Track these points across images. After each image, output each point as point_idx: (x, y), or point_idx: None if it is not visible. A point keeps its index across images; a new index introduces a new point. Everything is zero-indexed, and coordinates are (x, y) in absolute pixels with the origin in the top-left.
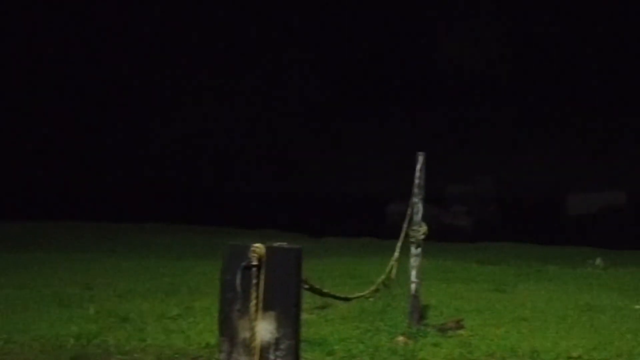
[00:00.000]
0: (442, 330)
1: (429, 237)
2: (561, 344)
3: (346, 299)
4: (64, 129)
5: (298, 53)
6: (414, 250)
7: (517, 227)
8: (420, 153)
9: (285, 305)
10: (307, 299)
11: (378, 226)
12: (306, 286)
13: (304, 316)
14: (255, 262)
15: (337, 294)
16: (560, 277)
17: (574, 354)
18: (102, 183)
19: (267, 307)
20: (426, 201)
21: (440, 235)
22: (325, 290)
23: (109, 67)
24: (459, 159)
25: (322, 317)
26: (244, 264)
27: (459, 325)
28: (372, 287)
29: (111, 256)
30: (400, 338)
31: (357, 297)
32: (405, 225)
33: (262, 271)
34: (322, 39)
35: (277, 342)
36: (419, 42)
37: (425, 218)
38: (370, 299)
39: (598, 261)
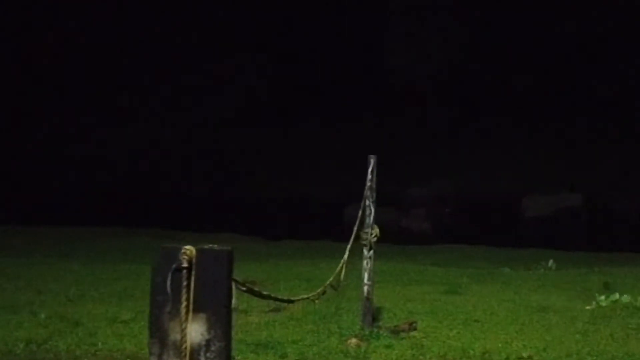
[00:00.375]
0: (395, 332)
1: (385, 239)
2: (512, 345)
3: (289, 301)
4: (16, 133)
5: (249, 56)
6: (366, 252)
7: (474, 230)
8: (371, 156)
9: (216, 307)
10: (260, 302)
11: (335, 229)
12: (243, 288)
13: (258, 319)
14: (185, 264)
15: (280, 296)
16: (513, 278)
17: (524, 355)
18: (56, 187)
19: (197, 309)
20: (385, 204)
21: (398, 238)
22: (265, 292)
23: (64, 70)
24: (417, 162)
25: (275, 320)
26: (174, 266)
27: (411, 327)
28: (319, 289)
29: (64, 261)
30: (353, 340)
31: (301, 299)
32: (355, 228)
33: (193, 273)
34: (272, 42)
35: (208, 343)
36: (371, 45)
37: (383, 221)
38: (316, 301)
39: (551, 263)
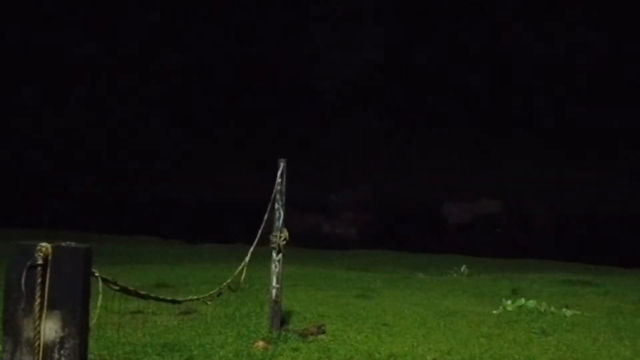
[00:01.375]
0: (303, 335)
1: (307, 244)
2: (418, 349)
3: (174, 302)
4: None
5: (172, 57)
6: (274, 255)
7: (395, 235)
8: (281, 160)
9: (71, 305)
10: (170, 305)
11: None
12: (116, 287)
13: (166, 321)
14: (40, 261)
15: (165, 297)
16: (425, 283)
17: (429, 358)
18: None
19: (52, 306)
20: (308, 209)
21: (321, 243)
22: (143, 293)
23: None
24: (340, 168)
25: (183, 322)
26: (29, 263)
27: (320, 331)
28: (212, 291)
29: None
30: (260, 343)
31: (189, 300)
32: (260, 231)
33: (48, 270)
34: (193, 45)
35: (62, 341)
36: (297, 51)
37: (306, 226)
38: (209, 303)
39: (463, 268)
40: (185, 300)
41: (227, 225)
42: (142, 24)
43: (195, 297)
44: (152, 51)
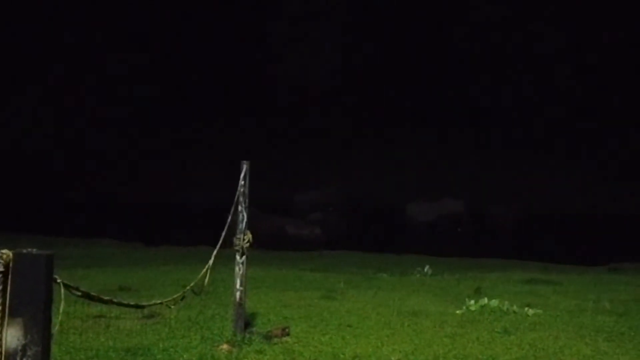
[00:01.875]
0: (268, 337)
1: (271, 245)
2: (382, 349)
3: (138, 306)
4: None
5: (133, 56)
6: (238, 258)
7: (359, 235)
8: (244, 162)
9: (33, 312)
10: (133, 309)
11: (217, 235)
12: (78, 293)
13: (129, 326)
14: (1, 269)
15: (129, 302)
16: (389, 284)
17: (393, 358)
18: None
19: (13, 313)
20: (272, 211)
21: (283, 244)
22: (106, 298)
23: None
24: (304, 169)
25: (148, 327)
26: None
27: (284, 333)
28: (177, 295)
29: None
30: (224, 346)
31: (153, 305)
32: (224, 234)
33: (9, 277)
34: (152, 45)
35: (24, 348)
36: (261, 51)
37: (270, 227)
38: (172, 306)
39: (427, 268)
40: (149, 305)
41: (190, 228)
42: (99, 23)
43: (159, 301)
44: (110, 51)
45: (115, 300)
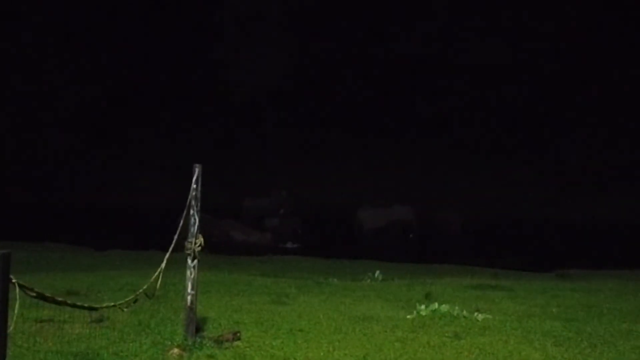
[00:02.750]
0: (219, 342)
1: (221, 250)
2: (334, 354)
3: (91, 309)
4: None
5: (81, 63)
6: (189, 262)
7: (310, 240)
8: (196, 165)
9: None
10: (82, 313)
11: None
12: (33, 294)
13: (78, 330)
14: None
15: (82, 304)
16: (340, 289)
17: None
18: None
19: None
20: (222, 215)
21: (235, 249)
22: (60, 299)
23: None
24: (255, 174)
25: (97, 331)
26: None
27: (235, 337)
28: (129, 297)
29: None
30: (175, 350)
31: (105, 307)
32: (175, 237)
33: None
34: (104, 49)
35: None
36: (209, 57)
37: (220, 232)
38: (125, 310)
39: (377, 274)
40: (102, 307)
41: (140, 232)
42: (47, 25)
43: (112, 304)
44: (59, 54)
45: (69, 302)
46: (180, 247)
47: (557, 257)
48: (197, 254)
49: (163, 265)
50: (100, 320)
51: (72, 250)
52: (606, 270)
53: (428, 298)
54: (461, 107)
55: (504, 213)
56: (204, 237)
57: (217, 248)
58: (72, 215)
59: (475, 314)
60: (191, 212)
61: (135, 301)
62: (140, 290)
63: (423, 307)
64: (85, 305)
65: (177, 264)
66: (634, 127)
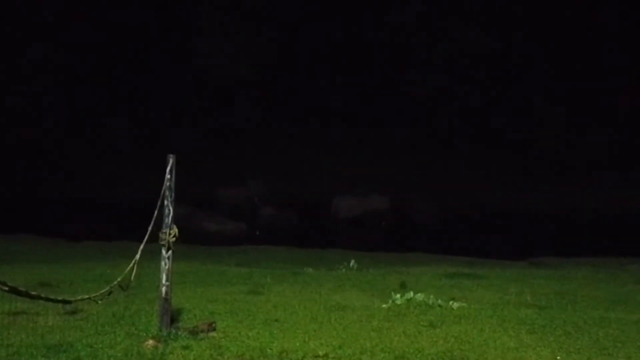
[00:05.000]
0: (194, 332)
1: (190, 240)
2: (310, 344)
3: (65, 302)
4: None
5: (50, 50)
6: (164, 253)
7: (286, 230)
8: (170, 155)
9: None
10: (56, 305)
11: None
12: (5, 288)
13: (52, 322)
14: None
15: (56, 297)
16: (315, 279)
17: (321, 352)
18: None
19: None
20: (197, 205)
21: (210, 239)
22: (34, 293)
23: None
24: (230, 163)
25: (71, 323)
26: None
27: (211, 328)
28: (104, 290)
29: None
30: (150, 342)
31: (80, 300)
32: (150, 228)
33: None
34: (77, 38)
35: None
36: (181, 45)
37: (193, 222)
38: (100, 302)
39: (352, 263)
40: (77, 300)
41: (114, 223)
42: (18, 17)
43: (87, 296)
44: (28, 43)
45: (43, 295)
46: (155, 238)
47: (530, 245)
48: (171, 244)
49: (137, 256)
50: (74, 312)
51: (45, 241)
52: (578, 259)
53: (403, 287)
54: (436, 97)
55: (478, 202)
56: (178, 227)
57: (192, 238)
58: (45, 206)
59: (451, 302)
60: (165, 202)
61: (109, 293)
62: (115, 282)
63: (398, 296)
64: (59, 298)
65: (152, 255)
66: (605, 118)
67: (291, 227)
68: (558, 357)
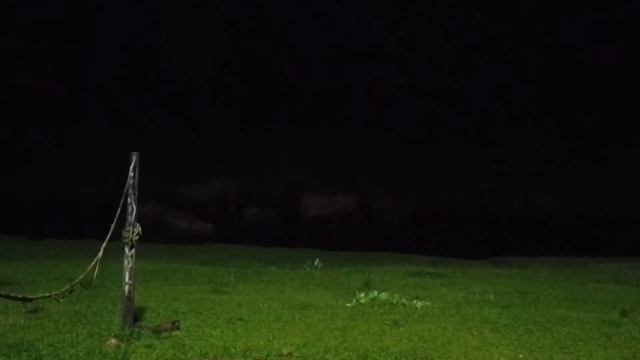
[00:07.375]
0: (157, 331)
1: (160, 238)
2: (274, 342)
3: (26, 300)
4: None
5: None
6: (127, 251)
7: (252, 229)
8: (133, 153)
9: None
10: (17, 303)
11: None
12: None
13: (12, 321)
14: None
15: (16, 295)
16: (279, 277)
17: (285, 351)
18: None
19: None
20: (161, 204)
21: (174, 238)
22: None
23: None
24: (195, 162)
25: (32, 322)
26: None
27: (174, 327)
28: (65, 288)
29: None
30: (112, 340)
31: (41, 298)
32: (112, 226)
33: None
34: (42, 37)
35: None
36: (147, 44)
37: (158, 221)
38: (61, 300)
39: (317, 262)
40: (37, 298)
41: (76, 221)
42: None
43: (47, 294)
44: None
45: (2, 293)
46: (118, 236)
47: (493, 245)
48: (135, 243)
49: (100, 254)
50: (35, 311)
51: (5, 239)
52: (541, 258)
53: (367, 286)
54: (403, 96)
55: (442, 202)
56: (142, 226)
57: (156, 237)
58: (5, 204)
59: (414, 301)
60: (129, 200)
61: (71, 291)
62: (77, 280)
63: (362, 295)
64: (20, 296)
65: (114, 254)
66: (569, 118)
67: (259, 226)
68: (520, 356)
